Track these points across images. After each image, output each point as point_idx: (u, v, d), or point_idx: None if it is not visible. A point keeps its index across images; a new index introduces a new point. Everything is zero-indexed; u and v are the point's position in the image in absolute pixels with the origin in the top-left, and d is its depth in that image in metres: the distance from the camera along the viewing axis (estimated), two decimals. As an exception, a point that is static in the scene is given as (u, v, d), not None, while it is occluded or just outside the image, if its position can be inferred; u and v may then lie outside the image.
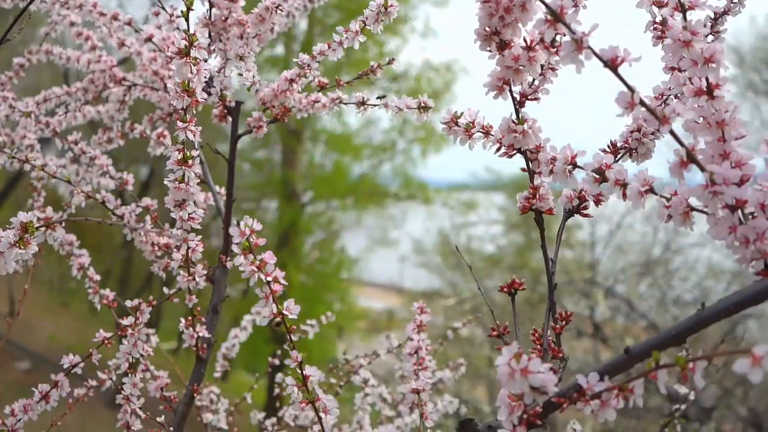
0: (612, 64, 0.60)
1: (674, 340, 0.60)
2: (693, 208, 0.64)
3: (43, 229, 0.77)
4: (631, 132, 0.81)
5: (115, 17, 1.22)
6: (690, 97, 0.64)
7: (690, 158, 0.61)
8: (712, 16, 0.84)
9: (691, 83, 0.65)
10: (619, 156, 0.81)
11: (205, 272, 1.05)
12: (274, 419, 1.52)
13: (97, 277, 1.23)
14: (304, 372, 0.76)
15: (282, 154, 12.03)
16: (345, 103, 1.12)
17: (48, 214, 0.81)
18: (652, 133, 0.80)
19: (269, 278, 0.73)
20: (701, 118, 0.64)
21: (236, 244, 0.72)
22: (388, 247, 12.85)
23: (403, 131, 12.11)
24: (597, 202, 0.80)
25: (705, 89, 0.63)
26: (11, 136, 1.43)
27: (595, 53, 0.59)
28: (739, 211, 0.62)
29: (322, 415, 0.76)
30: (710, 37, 0.84)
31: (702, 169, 0.60)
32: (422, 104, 1.00)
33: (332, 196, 11.98)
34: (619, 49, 0.60)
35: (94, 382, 1.27)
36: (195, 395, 1.13)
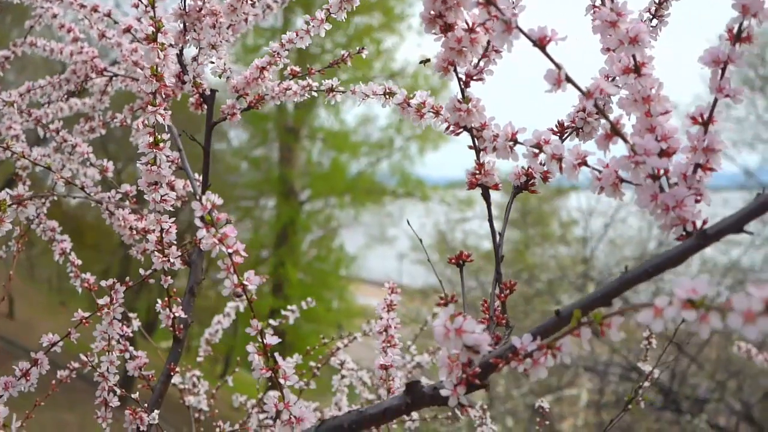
0: (540, 43, 0.64)
1: (601, 301, 0.64)
2: (622, 179, 0.68)
3: (14, 206, 0.81)
4: (577, 112, 0.85)
5: (94, 9, 1.26)
6: (619, 75, 0.68)
7: (614, 131, 0.64)
8: (657, 0, 0.88)
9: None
10: (565, 135, 0.85)
11: (179, 254, 1.09)
12: (254, 400, 1.56)
13: (79, 262, 1.27)
14: (264, 340, 0.80)
15: (279, 152, 12.06)
16: (315, 91, 1.16)
17: (19, 192, 0.85)
18: (597, 113, 0.84)
19: (231, 250, 0.77)
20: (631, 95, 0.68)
21: (198, 218, 0.76)
22: (386, 244, 12.89)
23: (400, 129, 12.15)
24: (545, 179, 0.84)
25: (632, 67, 0.67)
26: (-2, 128, 1.47)
27: (524, 33, 0.63)
28: (665, 181, 0.66)
29: (281, 381, 0.80)
30: (654, 21, 0.88)
31: (625, 140, 0.64)
32: (387, 91, 1.04)
33: (330, 194, 12.01)
34: (546, 29, 0.64)
35: (75, 364, 1.31)
36: (172, 374, 1.17)
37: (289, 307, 1.58)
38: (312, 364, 1.52)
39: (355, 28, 11.62)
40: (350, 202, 12.26)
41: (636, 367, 6.56)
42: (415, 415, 1.42)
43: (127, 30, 1.22)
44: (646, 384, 1.27)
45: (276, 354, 0.80)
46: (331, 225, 12.49)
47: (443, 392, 0.68)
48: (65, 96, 1.44)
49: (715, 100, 0.65)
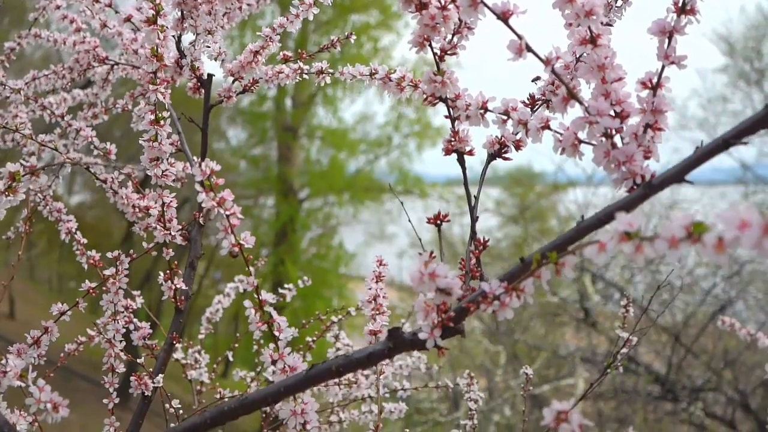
0: (504, 16, 0.70)
1: (558, 247, 0.70)
2: (581, 141, 0.75)
3: (28, 176, 0.88)
4: (547, 85, 0.91)
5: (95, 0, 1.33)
6: (577, 46, 0.75)
7: (570, 95, 0.71)
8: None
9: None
10: (537, 106, 0.92)
11: (179, 227, 1.15)
12: (253, 373, 1.63)
13: (84, 241, 1.34)
14: (260, 297, 0.87)
15: (278, 151, 12.14)
16: (306, 73, 1.23)
17: (32, 163, 0.92)
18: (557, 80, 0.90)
19: (228, 212, 0.83)
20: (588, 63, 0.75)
21: (198, 182, 0.82)
22: (385, 242, 12.96)
23: (398, 126, 12.24)
24: (517, 148, 0.91)
25: (588, 38, 0.74)
26: (5, 117, 1.54)
27: (488, 7, 0.70)
28: (619, 140, 0.73)
29: (276, 333, 0.87)
30: (619, 2, 0.95)
31: (580, 103, 0.71)
32: (373, 71, 1.11)
33: (329, 192, 12.08)
34: (509, 4, 0.71)
35: (83, 338, 1.37)
36: (174, 342, 1.24)
37: (286, 285, 1.65)
38: (308, 339, 1.59)
39: (353, 26, 11.70)
40: (349, 200, 12.33)
41: (634, 358, 6.60)
42: (407, 383, 1.49)
43: (128, 19, 1.28)
44: (624, 350, 1.34)
45: (271, 309, 0.87)
46: (330, 223, 12.56)
47: (421, 335, 0.75)
48: (68, 85, 1.50)
49: (663, 67, 0.72)
